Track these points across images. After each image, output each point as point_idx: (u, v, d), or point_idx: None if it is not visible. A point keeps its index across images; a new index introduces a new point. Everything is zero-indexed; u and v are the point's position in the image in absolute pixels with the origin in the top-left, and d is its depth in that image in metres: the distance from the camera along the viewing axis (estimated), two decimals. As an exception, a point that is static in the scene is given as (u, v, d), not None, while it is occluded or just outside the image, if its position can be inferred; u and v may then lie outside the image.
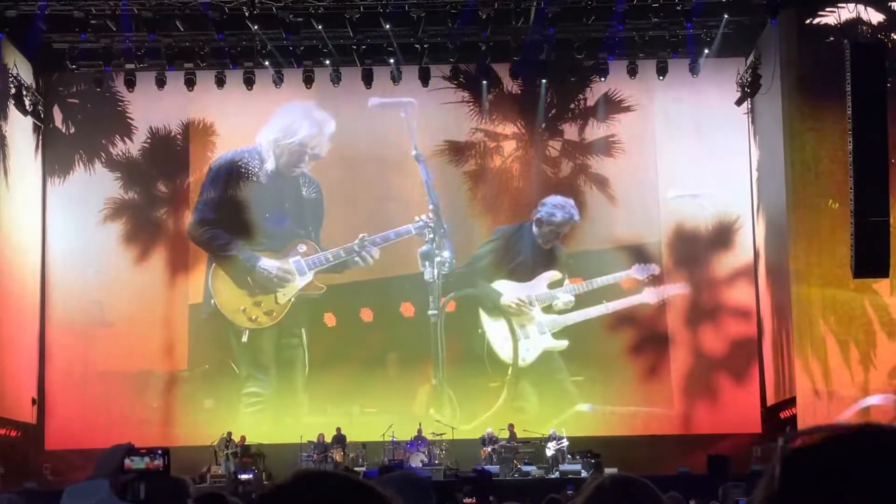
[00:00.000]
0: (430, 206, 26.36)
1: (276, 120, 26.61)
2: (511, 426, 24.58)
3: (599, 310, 26.18)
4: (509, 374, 26.14)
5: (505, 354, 26.19)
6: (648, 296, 26.13)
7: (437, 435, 24.44)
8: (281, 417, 26.03)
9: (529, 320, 26.24)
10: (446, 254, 26.34)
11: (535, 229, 26.39)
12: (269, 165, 26.53)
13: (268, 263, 26.35)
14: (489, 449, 23.98)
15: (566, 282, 26.24)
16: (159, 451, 4.87)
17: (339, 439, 24.36)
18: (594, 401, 25.99)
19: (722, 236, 26.35)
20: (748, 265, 26.21)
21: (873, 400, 22.04)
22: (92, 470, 4.91)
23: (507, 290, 26.34)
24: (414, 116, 26.47)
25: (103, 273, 26.36)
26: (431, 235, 26.30)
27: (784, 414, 23.85)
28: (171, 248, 26.54)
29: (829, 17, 22.74)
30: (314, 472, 2.21)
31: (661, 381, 26.07)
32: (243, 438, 24.56)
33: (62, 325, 26.24)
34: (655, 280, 26.17)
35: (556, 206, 26.40)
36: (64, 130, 26.74)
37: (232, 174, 26.58)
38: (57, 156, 26.63)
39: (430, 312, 26.24)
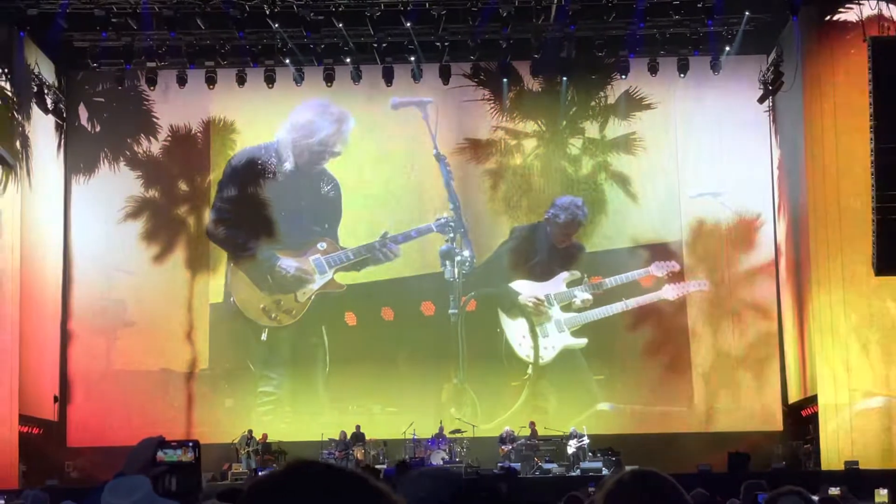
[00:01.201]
0: (451, 206, 26.35)
1: (294, 118, 26.62)
2: (532, 424, 24.55)
3: (619, 307, 26.14)
4: (529, 373, 26.12)
5: (524, 353, 26.17)
6: (668, 292, 26.07)
7: (458, 433, 24.44)
8: (300, 415, 26.04)
9: (548, 319, 26.21)
10: (466, 253, 26.33)
11: (547, 229, 26.40)
12: (289, 165, 26.54)
13: (286, 263, 26.37)
14: (508, 447, 23.97)
15: (585, 280, 26.20)
16: (190, 444, 4.87)
17: (359, 437, 24.39)
18: (614, 399, 25.96)
19: (743, 234, 26.29)
20: (769, 263, 26.15)
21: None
22: (119, 465, 4.91)
23: (526, 289, 26.31)
24: (434, 115, 26.47)
25: (125, 272, 26.42)
26: (452, 234, 26.30)
27: (805, 412, 23.81)
28: (193, 247, 26.58)
29: (850, 14, 22.67)
30: (306, 462, 2.21)
31: (681, 378, 26.02)
32: (265, 436, 24.60)
33: (84, 323, 26.31)
34: (675, 277, 26.11)
35: (561, 207, 26.36)
36: (89, 129, 26.81)
37: (250, 172, 26.60)
38: (81, 154, 26.70)
39: (450, 311, 26.24)
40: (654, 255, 26.24)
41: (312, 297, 26.38)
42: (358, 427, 24.54)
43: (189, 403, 26.24)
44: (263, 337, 26.29)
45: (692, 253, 26.30)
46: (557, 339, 26.19)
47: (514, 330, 26.28)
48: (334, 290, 26.37)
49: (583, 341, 26.14)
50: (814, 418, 22.90)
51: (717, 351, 26.02)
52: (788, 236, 25.32)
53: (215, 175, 26.80)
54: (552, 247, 26.41)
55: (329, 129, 26.60)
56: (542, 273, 26.33)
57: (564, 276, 26.27)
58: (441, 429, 24.50)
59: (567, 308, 26.25)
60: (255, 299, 26.35)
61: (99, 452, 24.27)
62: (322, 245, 26.44)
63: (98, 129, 26.79)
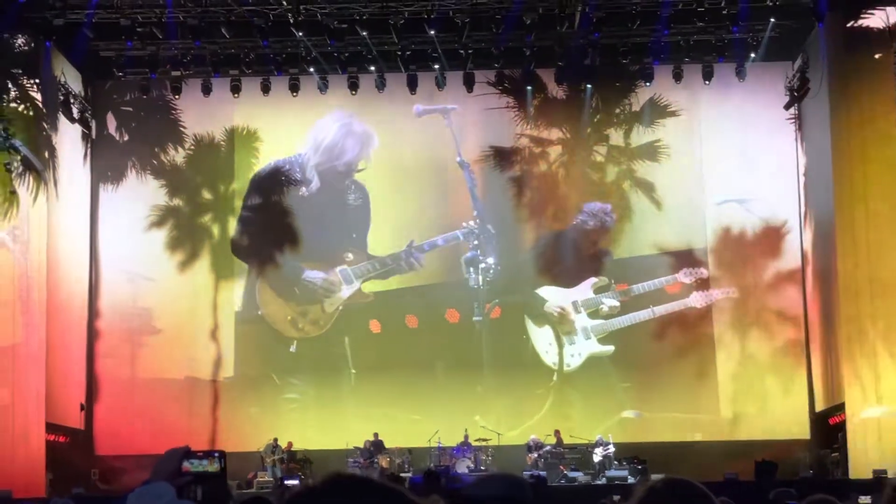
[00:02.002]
0: (475, 213, 26.34)
1: (317, 137, 26.61)
2: (557, 432, 24.51)
3: (646, 314, 26.07)
4: (554, 380, 26.07)
5: (550, 360, 26.13)
6: (696, 299, 25.99)
7: (483, 441, 24.41)
8: (325, 423, 26.05)
9: (575, 326, 26.15)
10: (491, 260, 26.31)
11: (574, 235, 26.35)
12: (315, 185, 26.54)
13: (312, 275, 26.39)
14: (535, 455, 23.93)
15: (612, 286, 26.14)
16: (216, 454, 4.87)
17: (378, 445, 24.33)
18: (640, 406, 25.89)
19: (769, 241, 26.19)
20: (796, 270, 26.04)
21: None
22: (146, 474, 4.92)
23: (552, 295, 26.27)
24: (457, 123, 26.47)
25: (151, 280, 26.49)
26: (476, 242, 26.29)
27: (833, 420, 23.68)
28: (217, 255, 26.64)
29: (876, 20, 22.58)
30: (349, 477, 2.20)
31: (707, 386, 25.93)
32: (290, 445, 24.61)
33: (110, 331, 26.39)
34: (703, 284, 26.03)
35: (590, 213, 26.31)
36: (117, 138, 26.91)
37: (276, 184, 26.64)
38: (110, 163, 26.81)
39: (474, 319, 26.22)
40: (680, 262, 26.17)
41: (340, 307, 26.38)
42: (375, 435, 24.48)
43: (214, 411, 26.27)
44: (293, 349, 26.31)
45: (718, 260, 26.21)
46: (584, 346, 26.13)
47: (541, 337, 26.23)
48: (361, 301, 26.35)
49: (609, 348, 26.07)
50: (841, 426, 22.78)
51: (743, 358, 25.92)
52: (815, 243, 25.21)
53: (239, 184, 26.85)
54: (579, 253, 26.36)
55: (354, 150, 26.61)
56: (569, 279, 26.28)
57: (592, 282, 26.22)
58: (466, 437, 24.48)
59: (594, 315, 26.19)
60: (282, 311, 26.39)
61: (125, 461, 24.33)
62: (349, 256, 26.45)
63: (126, 137, 26.88)
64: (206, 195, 26.92)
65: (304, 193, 26.55)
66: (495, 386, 26.09)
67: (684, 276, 26.08)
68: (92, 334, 26.27)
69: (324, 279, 26.38)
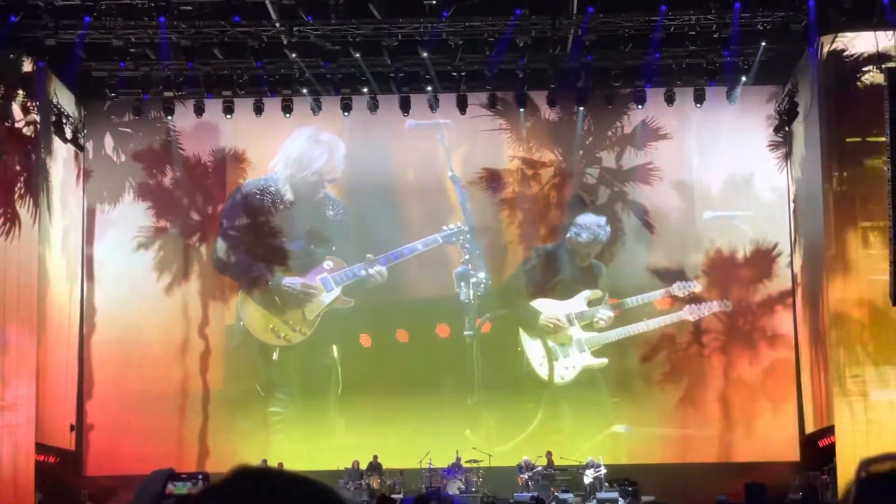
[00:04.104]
0: (466, 227, 26.43)
1: (285, 153, 26.73)
2: (549, 453, 24.53)
3: (640, 327, 26.14)
4: (546, 394, 26.11)
5: (545, 373, 26.18)
6: (690, 312, 26.06)
7: (474, 462, 24.42)
8: (314, 440, 26.08)
9: (569, 338, 26.21)
10: (482, 274, 26.39)
11: (568, 249, 26.43)
12: (289, 197, 26.64)
13: (291, 281, 26.46)
14: (526, 476, 23.94)
15: (605, 299, 26.21)
16: (200, 477, 4.89)
17: (376, 467, 24.36)
18: (631, 422, 25.92)
19: (760, 263, 26.26)
20: (786, 292, 26.10)
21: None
22: (132, 495, 4.93)
23: (547, 308, 26.34)
24: (450, 142, 26.56)
25: (143, 298, 26.51)
26: (457, 242, 26.36)
27: (823, 442, 23.70)
28: (207, 270, 26.67)
29: (866, 44, 22.66)
30: (253, 470, 2.25)
31: (697, 406, 25.97)
32: (280, 465, 24.56)
33: (102, 350, 26.38)
34: (696, 298, 26.10)
35: (583, 226, 26.39)
36: (114, 158, 26.96)
37: (254, 202, 26.72)
38: (105, 183, 26.85)
39: (465, 333, 26.28)
40: (672, 280, 26.23)
41: (321, 314, 26.43)
42: (375, 457, 24.51)
43: (204, 427, 26.26)
44: (274, 356, 26.37)
45: (710, 282, 26.26)
46: (578, 358, 26.20)
47: (535, 349, 26.28)
48: (342, 307, 26.41)
49: (604, 361, 26.15)
50: (831, 449, 22.79)
51: (733, 379, 25.96)
52: (805, 264, 25.28)
53: (227, 203, 26.96)
54: (573, 266, 26.44)
55: (321, 159, 26.72)
56: (564, 292, 26.35)
57: (586, 294, 26.29)
58: (458, 458, 24.47)
59: (588, 327, 26.26)
60: (263, 319, 26.47)
61: (116, 481, 24.31)
62: (329, 263, 26.54)
63: (123, 158, 26.94)
64: (195, 215, 26.93)
65: (281, 207, 26.64)
66: (486, 400, 26.13)
67: (678, 290, 26.15)
68: (83, 354, 26.25)
69: (302, 284, 26.43)
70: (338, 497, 2.28)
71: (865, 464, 1.98)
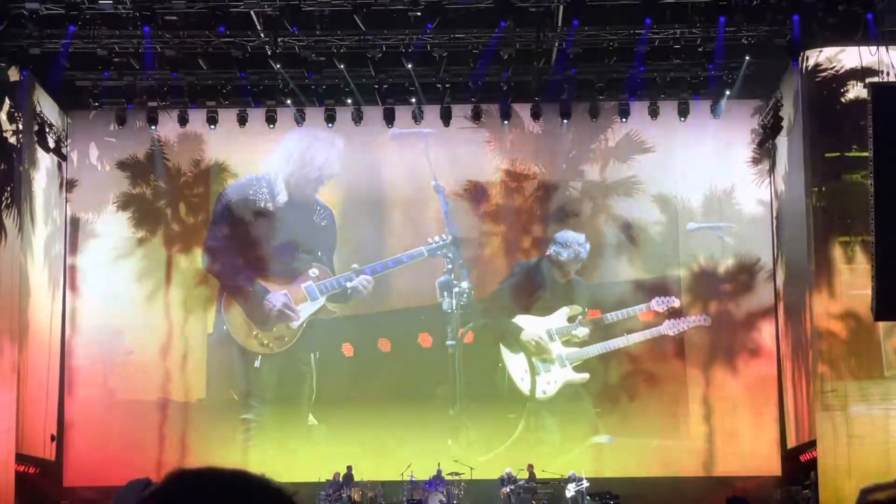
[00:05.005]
0: (449, 237, 26.43)
1: (286, 151, 26.71)
2: (531, 467, 24.50)
3: (621, 342, 26.16)
4: (527, 406, 26.10)
5: (525, 388, 26.17)
6: (668, 327, 26.09)
7: (456, 475, 24.37)
8: (294, 449, 26.04)
9: (550, 354, 26.21)
10: (465, 284, 26.39)
11: (549, 265, 26.44)
12: (282, 198, 26.61)
13: (274, 298, 26.39)
14: (507, 489, 23.90)
15: (585, 314, 26.22)
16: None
17: (349, 478, 24.26)
18: (613, 433, 25.90)
19: (743, 277, 26.30)
20: (769, 306, 26.13)
21: None
22: (109, 506, 4.91)
23: (528, 324, 26.35)
24: (434, 153, 26.56)
25: (122, 305, 26.46)
26: (441, 254, 26.36)
27: (805, 457, 23.71)
28: (190, 278, 26.62)
29: (851, 59, 22.73)
30: (189, 472, 2.24)
31: (679, 419, 25.99)
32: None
33: (83, 360, 26.31)
34: (675, 313, 26.13)
35: (563, 244, 26.42)
36: (99, 168, 26.90)
37: (241, 205, 26.70)
38: (89, 192, 26.80)
39: (448, 343, 26.28)
40: (653, 294, 26.26)
41: (304, 323, 26.40)
42: (349, 468, 24.42)
43: (185, 437, 26.18)
44: (257, 364, 26.33)
45: (693, 296, 26.29)
46: (559, 374, 26.20)
47: (517, 365, 26.28)
48: (326, 317, 26.39)
49: (585, 376, 26.15)
50: (813, 463, 22.81)
51: (715, 393, 25.97)
52: (788, 278, 25.32)
53: (210, 209, 26.91)
54: (554, 282, 26.45)
55: (323, 154, 26.69)
56: (544, 308, 26.36)
57: (565, 310, 26.31)
58: (439, 471, 24.43)
59: (569, 343, 26.27)
60: (247, 326, 26.43)
61: (95, 492, 24.25)
62: (314, 272, 26.51)
63: (108, 168, 26.88)
64: (176, 226, 26.88)
65: (271, 208, 26.59)
66: (468, 410, 26.12)
67: (657, 305, 26.18)
68: (64, 364, 26.16)
69: (284, 304, 26.37)
70: (275, 491, 2.27)
71: (865, 492, 1.98)
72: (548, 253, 26.44)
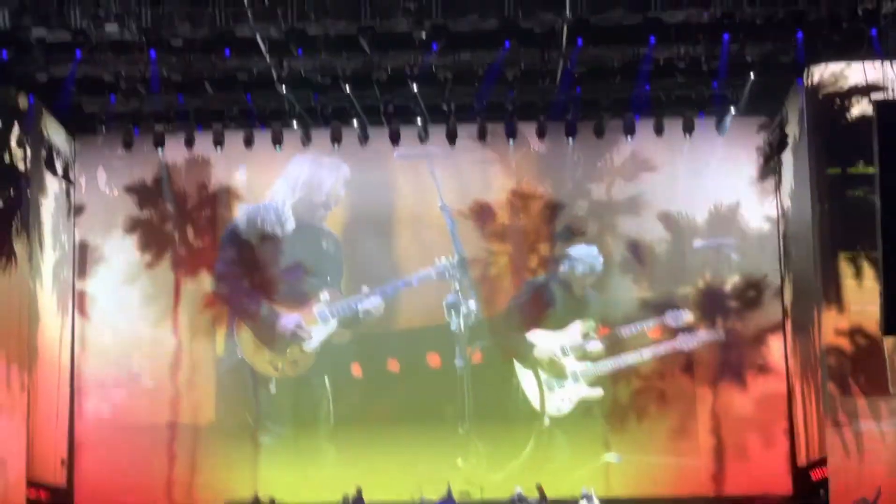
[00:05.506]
0: (456, 257, 26.46)
1: (291, 177, 26.77)
2: (540, 487, 24.42)
3: (634, 357, 26.16)
4: (537, 424, 26.09)
5: (537, 404, 26.16)
6: (683, 342, 26.09)
7: (467, 495, 24.34)
8: (305, 471, 26.02)
9: (564, 370, 26.21)
10: (472, 304, 26.40)
11: (562, 280, 26.44)
12: (290, 225, 26.67)
13: (287, 320, 26.42)
14: (517, 509, 23.89)
15: (598, 329, 26.22)
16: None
17: (358, 501, 24.23)
18: (622, 451, 25.87)
19: (750, 294, 26.28)
20: (777, 322, 26.11)
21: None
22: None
23: (541, 340, 26.36)
24: (440, 174, 26.59)
25: (131, 329, 26.49)
26: (450, 276, 26.37)
27: (815, 475, 23.67)
28: (199, 301, 26.63)
29: (857, 75, 22.75)
30: None
31: (689, 436, 25.95)
32: (272, 501, 24.51)
33: (93, 385, 26.32)
34: (689, 327, 26.11)
35: (576, 258, 26.46)
36: (107, 192, 26.96)
37: (250, 231, 26.74)
38: (98, 217, 26.88)
39: (456, 362, 26.28)
40: (661, 311, 26.24)
41: (318, 347, 26.43)
42: (359, 490, 24.37)
43: (195, 460, 26.17)
44: (272, 388, 26.34)
45: (700, 315, 26.27)
46: (574, 389, 26.21)
47: (530, 381, 26.27)
48: (340, 340, 26.44)
49: (598, 392, 26.14)
50: (824, 482, 22.76)
51: (724, 410, 25.94)
52: (796, 295, 25.29)
53: (219, 234, 26.94)
54: (567, 297, 26.45)
55: (329, 180, 26.77)
56: (558, 323, 26.37)
57: (578, 325, 26.32)
58: (449, 491, 24.40)
59: (582, 358, 26.27)
60: (261, 352, 26.44)
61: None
62: (325, 295, 26.53)
63: (116, 192, 26.94)
64: (187, 249, 26.92)
65: (280, 234, 26.65)
66: (477, 429, 26.09)
67: (671, 319, 26.18)
68: (74, 389, 26.18)
69: (296, 324, 26.39)
70: None
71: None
72: (561, 269, 26.45)
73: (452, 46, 23.06)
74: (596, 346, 26.18)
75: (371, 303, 26.40)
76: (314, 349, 26.43)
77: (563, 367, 26.25)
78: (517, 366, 26.33)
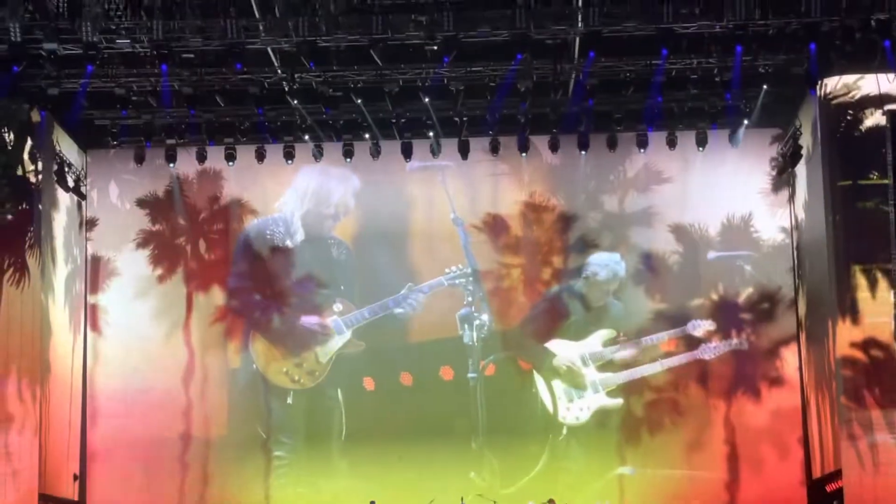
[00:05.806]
0: (469, 269, 26.43)
1: (300, 189, 26.78)
2: (553, 502, 24.37)
3: (655, 367, 26.11)
4: (552, 436, 26.03)
5: (559, 415, 26.12)
6: (705, 351, 26.04)
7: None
8: (318, 484, 26.02)
9: (583, 379, 26.16)
10: (485, 317, 26.38)
11: (583, 289, 26.39)
12: (300, 237, 26.68)
13: (308, 320, 26.41)
14: (530, 522, 23.86)
15: (620, 339, 26.17)
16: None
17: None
18: (636, 464, 25.79)
19: (764, 306, 26.22)
20: (791, 334, 26.03)
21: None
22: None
23: (561, 349, 26.32)
24: (452, 187, 26.58)
25: (143, 343, 26.49)
26: (470, 298, 26.34)
27: (830, 487, 23.56)
28: (210, 313, 26.62)
29: (870, 87, 22.69)
30: None
31: (704, 448, 25.87)
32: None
33: (105, 398, 26.32)
34: (710, 337, 26.04)
35: (599, 264, 26.43)
36: (120, 206, 26.99)
37: (261, 244, 26.74)
38: (111, 231, 26.90)
39: (469, 376, 26.24)
40: (675, 323, 26.17)
41: (333, 357, 26.41)
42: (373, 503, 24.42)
43: (207, 473, 26.16)
44: (289, 400, 26.34)
45: (715, 326, 26.20)
46: (593, 399, 26.16)
47: (550, 391, 26.20)
48: (353, 350, 26.40)
49: (619, 401, 26.10)
50: (838, 494, 22.66)
51: (739, 422, 25.87)
52: (810, 308, 25.21)
53: (231, 247, 26.94)
54: (587, 306, 26.42)
55: (339, 191, 26.79)
56: (578, 332, 26.33)
57: (601, 334, 26.28)
58: (462, 505, 24.45)
59: (603, 368, 26.21)
60: (277, 363, 26.43)
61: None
62: (338, 306, 26.54)
63: (128, 206, 26.96)
64: (199, 262, 26.93)
65: (290, 245, 26.64)
66: (490, 443, 26.06)
67: (692, 329, 26.13)
68: (86, 402, 26.18)
69: (319, 323, 26.41)
70: None
71: None
72: (581, 277, 26.39)
73: (464, 59, 23.05)
74: (623, 354, 26.11)
75: (389, 315, 26.40)
76: (329, 360, 26.39)
77: (584, 376, 26.20)
78: (536, 377, 26.26)
